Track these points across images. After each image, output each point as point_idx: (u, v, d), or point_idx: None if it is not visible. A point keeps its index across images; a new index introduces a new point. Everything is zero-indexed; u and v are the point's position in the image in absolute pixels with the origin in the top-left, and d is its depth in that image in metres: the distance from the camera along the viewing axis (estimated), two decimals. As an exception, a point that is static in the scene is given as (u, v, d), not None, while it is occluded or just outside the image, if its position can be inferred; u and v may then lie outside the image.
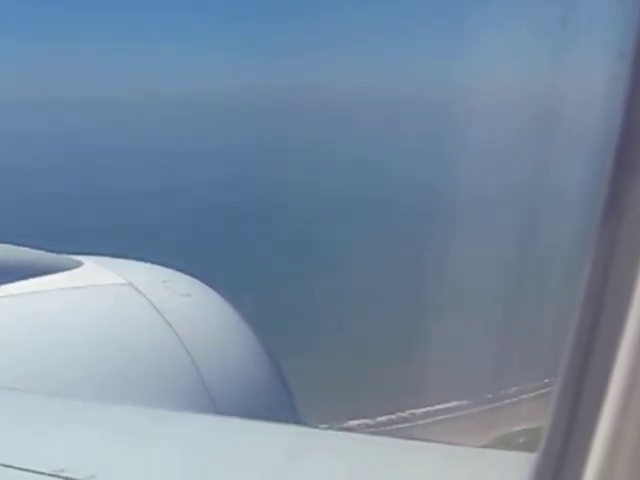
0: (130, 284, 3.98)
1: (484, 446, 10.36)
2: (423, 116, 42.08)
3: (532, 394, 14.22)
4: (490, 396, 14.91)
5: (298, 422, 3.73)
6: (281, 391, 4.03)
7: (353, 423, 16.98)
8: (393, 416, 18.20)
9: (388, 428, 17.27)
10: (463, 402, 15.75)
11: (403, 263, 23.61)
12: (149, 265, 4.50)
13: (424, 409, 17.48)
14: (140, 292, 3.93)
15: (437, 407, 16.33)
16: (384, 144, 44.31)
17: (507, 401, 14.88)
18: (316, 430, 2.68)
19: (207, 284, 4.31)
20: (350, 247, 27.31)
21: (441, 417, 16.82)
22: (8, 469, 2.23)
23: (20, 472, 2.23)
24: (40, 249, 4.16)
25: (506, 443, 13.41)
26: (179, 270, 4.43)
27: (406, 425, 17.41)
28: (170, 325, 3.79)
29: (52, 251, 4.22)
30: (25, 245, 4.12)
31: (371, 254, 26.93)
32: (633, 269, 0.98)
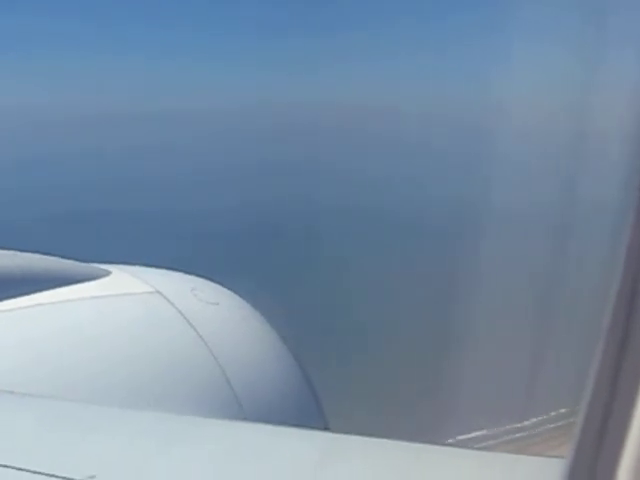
0: (158, 292, 4.00)
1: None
2: (449, 132, 41.99)
3: (555, 424, 13.99)
4: (512, 426, 14.69)
5: (326, 429, 3.71)
6: (310, 398, 4.02)
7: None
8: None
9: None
10: (484, 432, 15.51)
11: (425, 286, 23.34)
12: (177, 273, 4.53)
13: (445, 442, 17.21)
14: (168, 300, 3.95)
15: (459, 438, 16.09)
16: (403, 160, 44.07)
17: (530, 432, 14.64)
18: (344, 436, 2.66)
19: (235, 292, 4.32)
20: (370, 265, 27.03)
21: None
22: (39, 475, 2.24)
23: (47, 477, 2.23)
24: (68, 258, 4.19)
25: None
26: (207, 278, 4.45)
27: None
28: (198, 333, 3.80)
29: (80, 260, 4.25)
30: (53, 254, 4.15)
31: (391, 273, 26.61)
32: None
